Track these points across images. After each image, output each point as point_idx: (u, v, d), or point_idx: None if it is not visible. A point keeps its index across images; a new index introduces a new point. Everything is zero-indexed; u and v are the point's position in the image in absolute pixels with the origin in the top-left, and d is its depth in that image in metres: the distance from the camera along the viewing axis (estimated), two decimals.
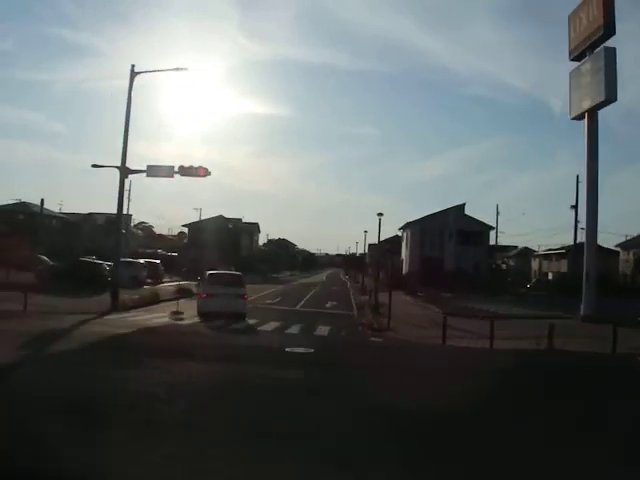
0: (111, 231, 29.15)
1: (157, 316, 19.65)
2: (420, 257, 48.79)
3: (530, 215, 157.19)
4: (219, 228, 63.57)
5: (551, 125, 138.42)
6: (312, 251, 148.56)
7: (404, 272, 51.46)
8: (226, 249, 62.68)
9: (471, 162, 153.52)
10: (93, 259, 35.30)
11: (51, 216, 60.42)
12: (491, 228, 51.10)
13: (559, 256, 65.86)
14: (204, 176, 21.08)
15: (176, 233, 72.22)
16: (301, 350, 12.73)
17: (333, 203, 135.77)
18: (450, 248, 47.83)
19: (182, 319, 18.94)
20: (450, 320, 17.01)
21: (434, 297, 32.20)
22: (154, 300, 24.52)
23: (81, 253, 42.67)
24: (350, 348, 14.93)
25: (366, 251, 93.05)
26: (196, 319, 19.05)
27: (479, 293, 36.00)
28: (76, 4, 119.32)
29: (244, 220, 72.36)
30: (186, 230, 66.70)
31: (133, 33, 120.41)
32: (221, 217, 65.57)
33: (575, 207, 42.37)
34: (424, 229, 49.37)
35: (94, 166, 22.20)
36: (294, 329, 18.15)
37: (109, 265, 30.95)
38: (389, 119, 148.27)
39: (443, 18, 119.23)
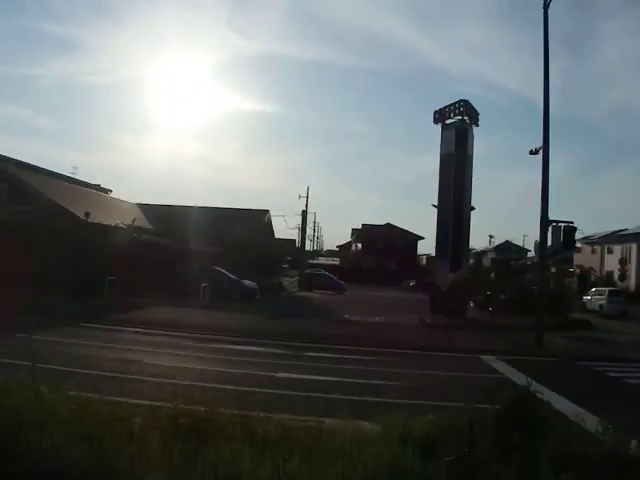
0: None
1: None
2: None
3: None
4: (388, 237, 62.06)
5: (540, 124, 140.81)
6: None
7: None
8: (402, 259, 61.18)
9: None
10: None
11: None
12: None
13: None
14: None
15: None
16: None
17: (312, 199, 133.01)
18: None
19: None
20: None
21: None
22: None
23: None
24: None
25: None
26: None
27: None
28: None
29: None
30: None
31: (121, 27, 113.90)
32: (389, 225, 63.72)
33: None
34: None
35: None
36: None
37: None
38: (378, 116, 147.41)
39: (433, 16, 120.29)
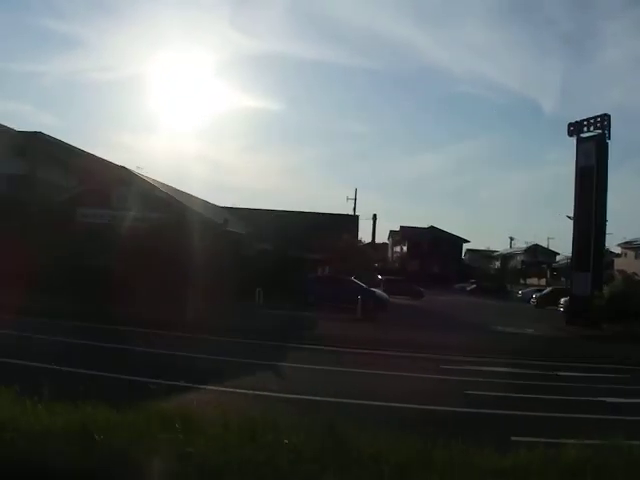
0: None
1: None
2: None
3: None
4: (433, 239, 62.37)
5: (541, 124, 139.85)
6: None
7: None
8: (447, 262, 61.56)
9: (457, 161, 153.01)
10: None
11: None
12: None
13: None
14: None
15: None
16: None
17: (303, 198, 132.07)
18: None
19: None
20: None
21: None
22: None
23: None
24: None
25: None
26: None
27: None
28: None
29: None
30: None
31: (123, 25, 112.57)
32: (432, 227, 63.98)
33: None
34: None
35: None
36: None
37: None
38: (378, 116, 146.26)
39: (433, 15, 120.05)
